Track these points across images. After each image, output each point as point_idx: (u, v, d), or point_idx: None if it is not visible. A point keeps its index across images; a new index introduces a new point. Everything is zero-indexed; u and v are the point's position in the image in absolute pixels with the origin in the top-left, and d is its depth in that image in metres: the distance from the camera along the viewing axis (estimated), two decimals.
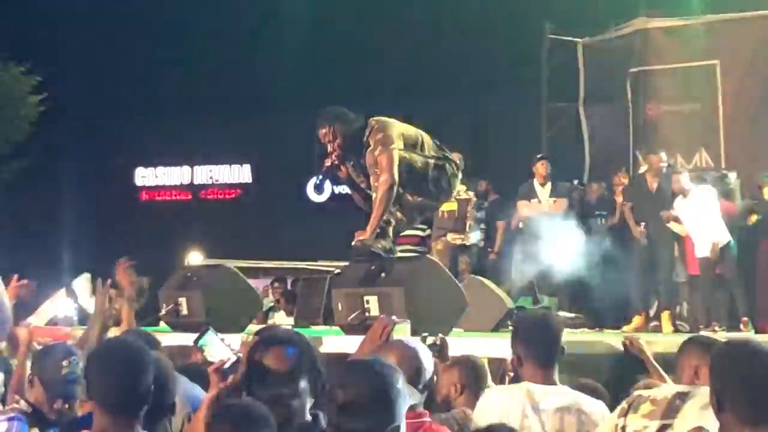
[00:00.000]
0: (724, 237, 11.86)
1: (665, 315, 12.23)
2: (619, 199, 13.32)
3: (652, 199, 12.58)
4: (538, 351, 4.61)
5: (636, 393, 3.99)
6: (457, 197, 12.73)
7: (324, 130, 7.99)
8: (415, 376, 4.18)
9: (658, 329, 12.11)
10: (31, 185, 23.91)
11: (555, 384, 4.58)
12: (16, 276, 7.19)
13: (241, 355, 3.93)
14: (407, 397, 3.50)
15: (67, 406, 4.92)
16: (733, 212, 12.65)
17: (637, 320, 12.23)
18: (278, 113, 23.73)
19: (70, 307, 10.09)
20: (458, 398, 5.30)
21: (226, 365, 3.92)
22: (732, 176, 13.80)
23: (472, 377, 5.35)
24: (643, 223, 12.49)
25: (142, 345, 4.05)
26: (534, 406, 4.48)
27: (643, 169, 14.13)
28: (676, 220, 12.22)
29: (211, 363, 3.98)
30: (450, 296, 7.47)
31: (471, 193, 13.02)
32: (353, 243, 7.91)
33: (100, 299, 6.26)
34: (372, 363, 3.58)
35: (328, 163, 8.01)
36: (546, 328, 4.71)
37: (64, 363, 4.96)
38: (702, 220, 11.94)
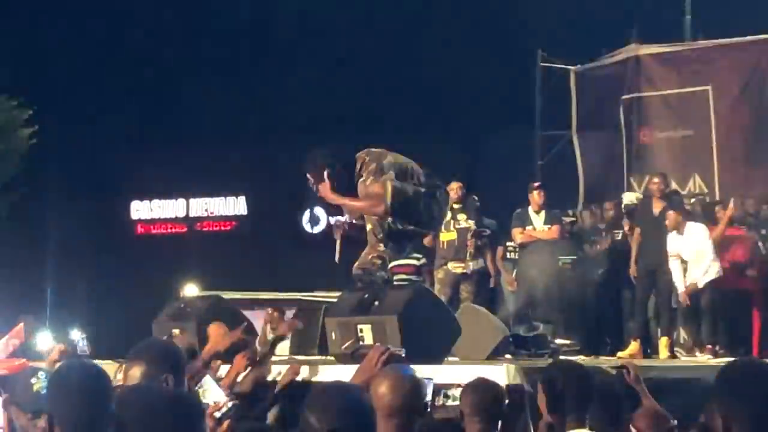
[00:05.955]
0: (704, 277, 11.91)
1: (663, 341, 12.17)
2: (625, 224, 13.26)
3: (654, 223, 12.49)
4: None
5: None
6: (457, 226, 12.71)
7: (311, 174, 8.02)
8: (412, 402, 4.17)
9: (655, 355, 12.09)
10: (23, 220, 23.80)
11: None
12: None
13: (237, 402, 3.96)
14: None
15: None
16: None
17: (633, 346, 12.18)
18: (272, 145, 23.73)
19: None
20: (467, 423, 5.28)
21: (222, 410, 3.93)
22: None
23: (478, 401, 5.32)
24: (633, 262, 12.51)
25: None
26: None
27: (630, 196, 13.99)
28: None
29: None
30: (443, 324, 7.47)
31: (471, 222, 12.98)
32: (354, 272, 7.93)
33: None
34: (344, 387, 3.59)
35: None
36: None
37: (33, 380, 4.97)
38: (692, 256, 11.98)
